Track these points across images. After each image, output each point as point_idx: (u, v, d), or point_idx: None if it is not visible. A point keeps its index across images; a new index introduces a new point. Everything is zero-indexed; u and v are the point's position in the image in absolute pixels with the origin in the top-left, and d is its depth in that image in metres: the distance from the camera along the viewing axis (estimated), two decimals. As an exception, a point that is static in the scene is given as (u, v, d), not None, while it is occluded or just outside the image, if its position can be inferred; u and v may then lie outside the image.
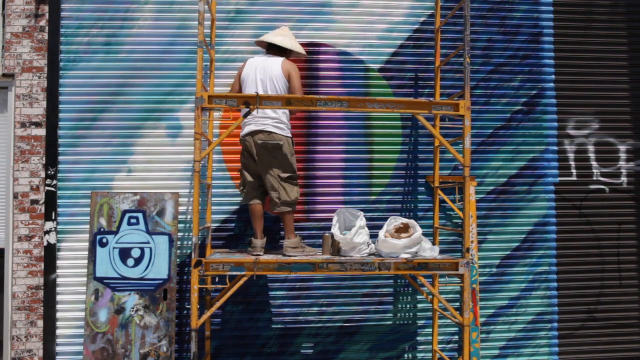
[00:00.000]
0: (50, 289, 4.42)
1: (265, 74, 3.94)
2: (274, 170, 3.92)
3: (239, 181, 4.56)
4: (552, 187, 4.90)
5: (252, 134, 3.93)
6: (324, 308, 4.66)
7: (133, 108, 4.57)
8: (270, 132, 3.90)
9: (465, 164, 3.80)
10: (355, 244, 3.82)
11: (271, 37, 4.10)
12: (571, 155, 4.93)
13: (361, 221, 3.88)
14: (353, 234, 3.82)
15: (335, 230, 3.89)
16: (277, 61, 3.99)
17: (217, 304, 3.69)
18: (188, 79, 4.57)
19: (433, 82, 4.68)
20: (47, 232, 4.45)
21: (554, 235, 4.86)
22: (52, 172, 4.47)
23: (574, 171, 4.93)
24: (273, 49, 4.11)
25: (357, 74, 4.75)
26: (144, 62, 4.60)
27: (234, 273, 3.62)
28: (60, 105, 4.52)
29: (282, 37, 4.10)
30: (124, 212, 4.15)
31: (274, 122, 3.91)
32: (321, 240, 3.99)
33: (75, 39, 4.57)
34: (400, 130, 4.77)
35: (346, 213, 4.02)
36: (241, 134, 4.05)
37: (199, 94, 3.60)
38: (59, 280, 4.45)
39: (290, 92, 3.96)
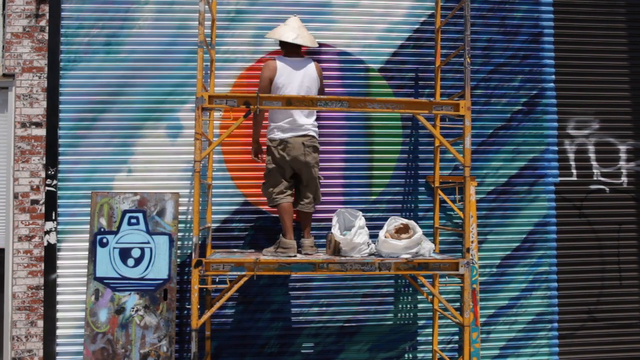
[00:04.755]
0: (50, 289, 4.42)
1: (307, 81, 4.02)
2: (315, 171, 4.04)
3: (239, 181, 4.60)
4: (552, 187, 4.90)
5: (298, 136, 3.95)
6: (324, 308, 4.66)
7: (133, 108, 4.57)
8: (313, 136, 4.04)
9: (466, 164, 3.80)
10: (355, 244, 3.82)
11: (294, 37, 4.03)
12: (571, 156, 4.93)
13: (360, 221, 3.89)
14: (353, 234, 3.82)
15: (335, 230, 3.89)
16: (312, 67, 4.07)
17: (218, 304, 3.69)
18: (188, 79, 4.57)
19: (433, 82, 4.68)
20: (48, 232, 4.45)
21: (554, 236, 4.86)
22: (53, 172, 4.47)
23: (574, 171, 4.92)
24: (291, 47, 4.07)
25: (358, 74, 4.75)
26: (145, 62, 4.59)
27: (235, 273, 3.62)
28: (60, 105, 4.52)
29: (302, 33, 4.07)
30: (124, 212, 4.15)
31: (313, 127, 4.06)
32: (320, 240, 3.99)
33: (76, 39, 4.57)
34: (401, 131, 4.77)
35: (346, 213, 4.03)
36: (281, 137, 3.96)
37: (199, 94, 3.60)
38: (59, 280, 4.45)
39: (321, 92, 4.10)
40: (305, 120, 3.98)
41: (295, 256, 3.86)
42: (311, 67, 4.06)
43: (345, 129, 4.72)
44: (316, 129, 4.09)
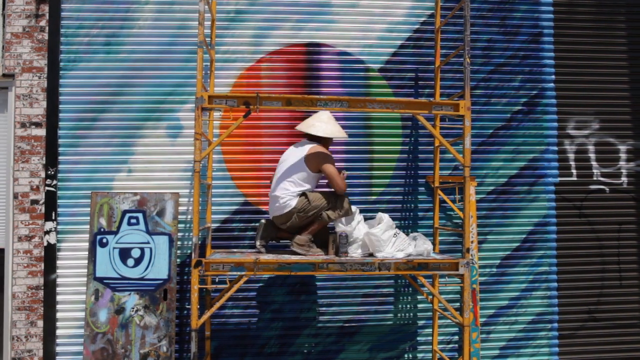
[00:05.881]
0: (50, 289, 4.42)
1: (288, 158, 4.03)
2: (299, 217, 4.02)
3: (239, 181, 4.60)
4: (552, 187, 4.90)
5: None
6: (324, 308, 4.66)
7: (133, 108, 4.57)
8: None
9: (466, 164, 3.80)
10: (356, 238, 3.88)
11: (305, 127, 4.06)
12: (571, 156, 4.93)
13: (359, 216, 3.98)
14: (354, 227, 3.90)
15: (338, 221, 3.94)
16: (305, 148, 4.01)
17: (217, 304, 3.69)
18: (188, 79, 4.57)
19: (433, 82, 4.68)
20: (47, 232, 4.45)
21: (554, 236, 4.86)
22: (52, 172, 4.47)
23: (574, 171, 4.92)
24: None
25: (357, 74, 4.75)
26: (144, 62, 4.60)
27: (234, 273, 3.62)
28: (60, 106, 4.52)
29: (320, 124, 4.03)
30: (124, 212, 4.15)
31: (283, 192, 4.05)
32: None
33: (76, 39, 4.57)
34: (401, 131, 4.77)
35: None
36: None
37: (199, 94, 3.60)
38: (59, 280, 4.45)
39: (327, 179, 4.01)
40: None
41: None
42: (304, 149, 4.00)
43: (345, 129, 4.69)
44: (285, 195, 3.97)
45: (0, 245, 4.56)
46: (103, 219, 4.15)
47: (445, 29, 4.74)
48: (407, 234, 4.06)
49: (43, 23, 4.54)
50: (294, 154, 4.01)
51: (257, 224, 4.48)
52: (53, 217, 4.45)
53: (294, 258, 3.76)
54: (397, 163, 4.75)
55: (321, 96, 3.80)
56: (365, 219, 4.02)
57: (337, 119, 4.69)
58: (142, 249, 4.12)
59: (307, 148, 3.98)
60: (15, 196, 4.47)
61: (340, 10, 4.75)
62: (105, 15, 4.58)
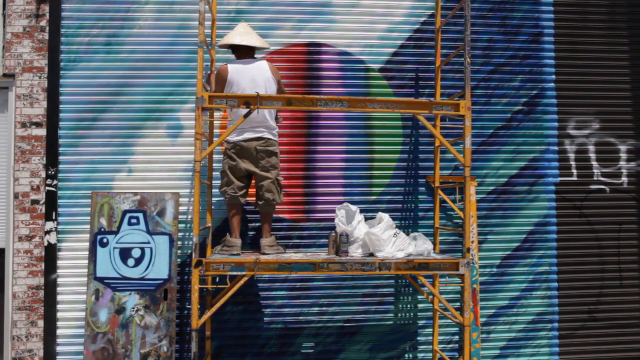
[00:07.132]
0: (50, 289, 4.42)
1: (261, 79, 3.98)
2: (272, 173, 4.00)
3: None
4: (552, 187, 4.90)
5: (249, 140, 3.96)
6: (324, 308, 4.66)
7: (133, 108, 4.57)
8: (269, 139, 4.01)
9: (466, 164, 3.80)
10: (356, 237, 3.87)
11: (241, 39, 4.03)
12: (572, 155, 4.93)
13: (360, 216, 3.97)
14: (355, 226, 3.88)
15: (339, 221, 3.94)
16: (264, 65, 4.03)
17: (218, 304, 3.69)
18: (188, 79, 4.58)
19: (433, 82, 4.68)
20: (48, 232, 4.45)
21: (554, 235, 4.86)
22: (53, 172, 4.47)
23: (574, 171, 4.92)
24: (242, 50, 4.07)
25: (358, 74, 4.75)
26: (145, 62, 4.60)
27: (235, 273, 3.62)
28: (60, 105, 4.52)
29: (249, 36, 4.06)
30: (125, 212, 4.15)
31: (269, 129, 4.03)
32: (320, 240, 3.99)
33: (76, 39, 4.57)
34: (401, 130, 4.77)
35: (344, 209, 4.04)
36: (233, 139, 3.98)
37: (199, 94, 3.60)
38: (59, 280, 4.45)
39: (279, 92, 4.12)
40: (261, 121, 3.95)
41: (238, 255, 3.90)
42: (262, 65, 4.03)
43: (345, 129, 4.72)
44: (274, 130, 4.07)
45: (1, 245, 4.56)
46: (103, 218, 4.15)
47: (446, 29, 4.74)
48: (408, 234, 4.06)
49: (43, 23, 4.54)
50: (258, 72, 4.01)
51: (257, 224, 4.49)
52: (53, 217, 4.45)
53: (294, 258, 3.77)
54: (397, 163, 4.75)
55: (321, 96, 3.80)
56: (366, 219, 4.02)
57: (338, 118, 4.72)
58: (142, 249, 4.12)
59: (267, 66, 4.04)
60: (16, 196, 4.47)
61: (340, 10, 4.75)
62: (105, 15, 4.58)
